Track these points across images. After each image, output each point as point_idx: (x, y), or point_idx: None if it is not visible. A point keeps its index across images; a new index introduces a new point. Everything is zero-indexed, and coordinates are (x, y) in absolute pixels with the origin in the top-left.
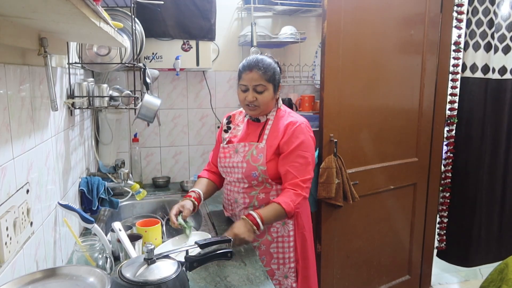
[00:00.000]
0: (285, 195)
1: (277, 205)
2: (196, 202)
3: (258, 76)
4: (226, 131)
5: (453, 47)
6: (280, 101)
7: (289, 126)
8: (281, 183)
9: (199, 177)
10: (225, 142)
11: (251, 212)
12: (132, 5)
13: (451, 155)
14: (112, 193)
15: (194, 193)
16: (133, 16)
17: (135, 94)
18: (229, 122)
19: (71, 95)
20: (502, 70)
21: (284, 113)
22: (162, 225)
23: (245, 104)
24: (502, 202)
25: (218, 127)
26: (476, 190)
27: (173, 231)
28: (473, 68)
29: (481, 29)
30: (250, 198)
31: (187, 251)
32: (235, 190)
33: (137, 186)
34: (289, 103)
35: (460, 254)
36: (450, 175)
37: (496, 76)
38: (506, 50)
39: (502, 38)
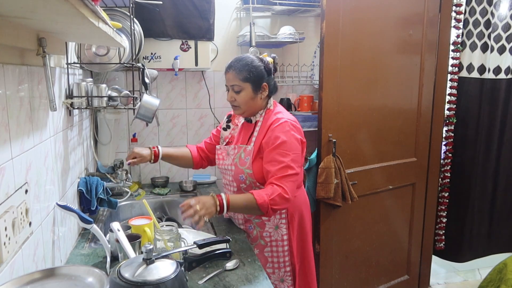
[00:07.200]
0: (263, 189)
1: (250, 194)
2: (153, 156)
3: (233, 76)
4: (225, 129)
5: (451, 47)
6: (271, 101)
7: (271, 125)
8: None
9: (186, 146)
10: (222, 141)
11: (222, 194)
12: (131, 5)
13: (450, 155)
14: (110, 193)
15: (156, 149)
16: (131, 16)
17: (133, 94)
18: (229, 121)
19: (69, 95)
20: (497, 70)
21: (273, 113)
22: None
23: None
24: (493, 199)
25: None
26: (473, 189)
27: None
28: (470, 68)
29: (478, 30)
30: None
31: (186, 251)
32: (229, 193)
33: (136, 186)
34: (287, 103)
35: (455, 251)
36: (449, 175)
37: (491, 75)
38: (501, 50)
39: (498, 38)
